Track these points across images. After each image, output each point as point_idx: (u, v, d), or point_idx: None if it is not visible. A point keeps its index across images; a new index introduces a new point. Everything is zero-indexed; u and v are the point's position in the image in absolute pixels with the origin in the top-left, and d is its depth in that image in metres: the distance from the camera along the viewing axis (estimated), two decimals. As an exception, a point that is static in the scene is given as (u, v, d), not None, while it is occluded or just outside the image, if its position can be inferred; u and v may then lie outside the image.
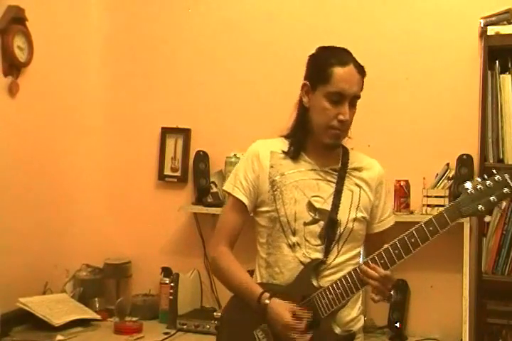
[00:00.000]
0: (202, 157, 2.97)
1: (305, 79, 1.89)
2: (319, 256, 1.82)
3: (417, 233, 1.71)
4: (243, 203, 1.89)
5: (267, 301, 1.76)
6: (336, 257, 1.84)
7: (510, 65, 2.49)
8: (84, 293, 2.90)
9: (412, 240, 1.71)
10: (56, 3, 2.94)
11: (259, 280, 1.89)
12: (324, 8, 2.91)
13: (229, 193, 1.93)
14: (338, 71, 1.80)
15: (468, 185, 1.70)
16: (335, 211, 1.84)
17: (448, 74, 2.73)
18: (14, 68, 2.68)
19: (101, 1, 3.20)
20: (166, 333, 2.68)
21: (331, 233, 1.83)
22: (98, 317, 2.77)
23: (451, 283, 2.62)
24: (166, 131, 3.11)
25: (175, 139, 3.10)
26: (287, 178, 1.86)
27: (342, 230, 1.84)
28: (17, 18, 2.66)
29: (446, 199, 2.55)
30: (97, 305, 2.91)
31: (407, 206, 2.62)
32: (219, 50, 3.05)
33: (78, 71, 3.10)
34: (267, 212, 1.87)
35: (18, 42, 2.68)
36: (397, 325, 2.65)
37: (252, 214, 1.93)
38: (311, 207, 1.84)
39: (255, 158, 1.90)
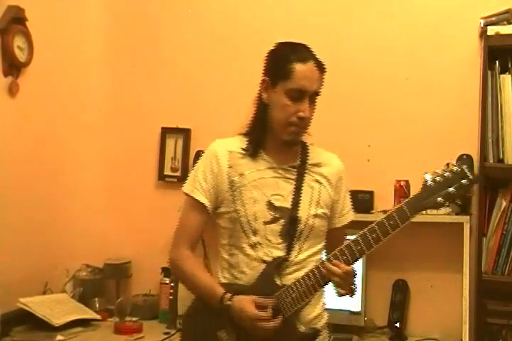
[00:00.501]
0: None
1: (264, 75, 1.88)
2: (281, 254, 1.82)
3: (378, 228, 1.72)
4: (203, 204, 1.87)
5: (229, 302, 1.76)
6: (297, 254, 1.84)
7: (510, 65, 2.49)
8: (84, 293, 2.90)
9: (374, 235, 1.72)
10: (56, 3, 2.94)
11: (222, 282, 1.88)
12: (324, 9, 2.91)
13: (188, 195, 1.91)
14: (299, 68, 1.79)
15: (427, 177, 1.70)
16: (295, 208, 1.84)
17: (448, 74, 2.73)
18: (14, 68, 2.68)
19: (101, 1, 3.20)
20: (166, 333, 2.68)
21: (291, 230, 1.83)
22: (98, 317, 2.77)
23: (451, 283, 2.62)
24: (166, 131, 3.11)
25: (175, 139, 3.10)
26: (246, 178, 1.85)
27: (302, 227, 1.84)
28: (17, 18, 2.66)
29: (446, 200, 2.55)
30: (97, 305, 2.90)
31: (408, 206, 2.61)
32: (219, 49, 3.05)
33: (78, 71, 3.10)
34: (227, 212, 1.86)
35: (18, 42, 2.68)
36: (397, 325, 2.65)
37: (212, 216, 1.92)
38: (270, 205, 1.84)
39: (214, 159, 1.89)
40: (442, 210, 2.54)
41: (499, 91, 2.46)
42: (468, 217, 2.52)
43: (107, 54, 3.21)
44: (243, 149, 1.89)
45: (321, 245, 1.92)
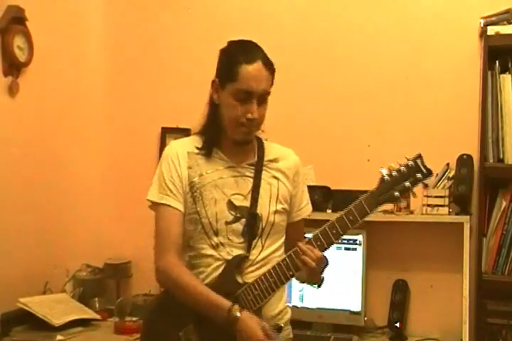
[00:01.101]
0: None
1: (215, 76, 1.88)
2: (242, 252, 1.82)
3: (337, 223, 1.74)
4: (178, 209, 1.84)
5: (238, 314, 1.72)
6: (260, 252, 1.85)
7: (510, 65, 2.49)
8: (84, 293, 2.90)
9: (334, 231, 1.75)
10: (56, 3, 2.94)
11: None
12: (324, 8, 2.91)
13: (157, 203, 1.85)
14: (245, 69, 1.79)
15: (383, 171, 1.75)
16: (254, 206, 1.84)
17: (448, 74, 2.73)
18: (14, 68, 2.68)
19: (101, 1, 3.20)
20: (166, 333, 2.68)
21: (252, 228, 1.83)
22: (98, 317, 2.77)
23: (451, 283, 2.62)
24: (166, 131, 3.11)
25: (175, 139, 3.09)
26: (206, 178, 1.85)
27: (264, 225, 1.85)
28: (17, 18, 2.66)
29: (446, 199, 2.55)
30: (97, 305, 2.90)
31: (407, 206, 2.62)
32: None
33: (78, 71, 3.10)
34: (188, 214, 1.84)
35: (18, 42, 2.68)
36: (397, 325, 2.65)
37: None
38: (231, 205, 1.84)
39: (176, 161, 1.87)
40: (442, 210, 2.56)
41: (499, 92, 2.46)
42: (468, 217, 2.51)
43: (107, 54, 3.21)
44: (198, 148, 1.88)
45: (282, 240, 1.93)
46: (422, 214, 2.57)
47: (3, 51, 2.62)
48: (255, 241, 1.84)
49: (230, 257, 1.81)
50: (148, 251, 3.04)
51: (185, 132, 3.07)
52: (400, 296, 2.69)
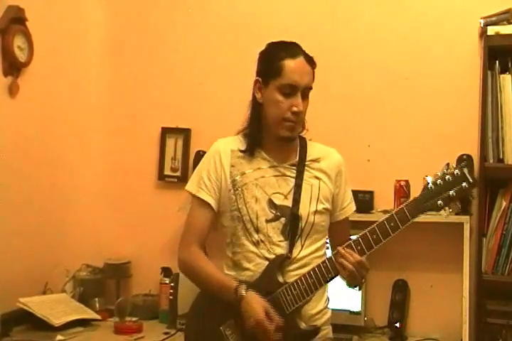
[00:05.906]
0: (202, 157, 2.93)
1: (257, 75, 1.91)
2: (283, 251, 1.85)
3: (378, 229, 1.75)
4: (209, 204, 1.91)
5: (244, 292, 1.77)
6: (300, 251, 1.88)
7: (510, 65, 2.49)
8: (84, 293, 2.90)
9: (374, 236, 1.75)
10: (56, 3, 2.94)
11: None
12: (324, 8, 2.91)
13: (194, 195, 1.94)
14: (289, 63, 1.83)
15: (428, 179, 1.73)
16: (296, 206, 1.87)
17: (448, 74, 2.73)
18: (14, 68, 2.68)
19: (101, 1, 3.20)
20: (166, 333, 2.68)
21: (293, 228, 1.86)
22: (98, 317, 2.77)
23: (451, 283, 2.62)
24: (166, 131, 3.11)
25: (175, 139, 3.10)
26: (247, 177, 1.89)
27: (303, 225, 1.88)
28: (17, 18, 2.66)
29: (446, 199, 2.55)
30: (97, 305, 2.91)
31: (407, 206, 2.61)
32: (219, 49, 3.05)
33: (78, 71, 3.10)
34: (229, 211, 1.90)
35: (18, 42, 2.68)
36: (397, 325, 2.65)
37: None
38: (271, 204, 1.88)
39: (217, 158, 1.93)
40: (443, 212, 2.55)
41: (499, 92, 2.46)
42: (468, 217, 2.52)
43: (107, 54, 3.21)
44: (241, 151, 1.92)
45: (323, 241, 1.95)
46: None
47: (3, 51, 2.62)
48: (294, 240, 1.87)
49: (270, 255, 1.85)
50: (148, 251, 3.08)
51: (185, 132, 3.08)
52: (400, 296, 2.69)
